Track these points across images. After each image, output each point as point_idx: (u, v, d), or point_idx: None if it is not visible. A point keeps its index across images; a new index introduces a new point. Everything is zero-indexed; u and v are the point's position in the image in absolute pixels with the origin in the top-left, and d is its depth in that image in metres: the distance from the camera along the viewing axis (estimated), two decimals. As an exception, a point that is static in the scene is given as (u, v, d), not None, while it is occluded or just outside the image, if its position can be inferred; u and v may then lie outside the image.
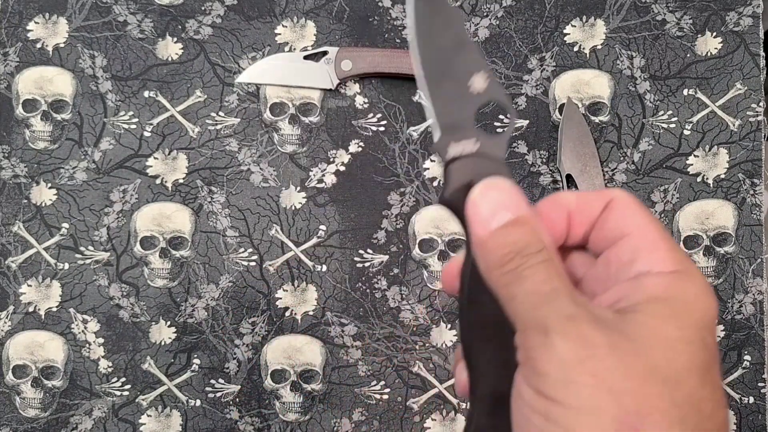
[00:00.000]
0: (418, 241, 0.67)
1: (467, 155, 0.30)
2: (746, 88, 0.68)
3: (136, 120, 0.68)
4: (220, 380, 0.66)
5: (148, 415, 0.66)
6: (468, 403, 0.61)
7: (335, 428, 0.66)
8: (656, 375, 0.26)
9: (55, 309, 0.67)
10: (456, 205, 0.30)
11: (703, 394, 0.27)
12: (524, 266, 0.28)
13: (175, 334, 0.67)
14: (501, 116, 0.68)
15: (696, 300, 0.28)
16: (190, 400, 0.66)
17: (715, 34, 0.69)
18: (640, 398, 0.25)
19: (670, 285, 0.28)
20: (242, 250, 0.67)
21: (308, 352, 0.66)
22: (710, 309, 0.28)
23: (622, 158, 0.68)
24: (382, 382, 0.66)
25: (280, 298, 0.67)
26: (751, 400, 0.66)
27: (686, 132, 0.68)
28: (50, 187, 0.68)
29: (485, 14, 0.69)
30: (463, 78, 0.31)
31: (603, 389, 0.25)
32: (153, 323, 0.67)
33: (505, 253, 0.29)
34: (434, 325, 0.67)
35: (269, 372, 0.66)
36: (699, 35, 0.69)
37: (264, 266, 0.67)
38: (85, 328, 0.67)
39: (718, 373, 0.28)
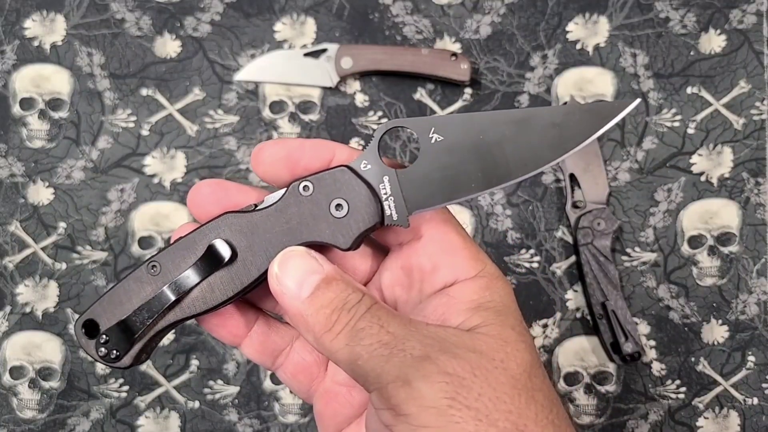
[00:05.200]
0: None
1: None
2: (750, 86, 0.68)
3: (134, 118, 0.68)
4: (219, 381, 0.66)
5: (146, 417, 0.66)
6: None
7: (335, 430, 0.65)
8: (517, 384, 0.26)
9: (52, 309, 0.66)
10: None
11: (545, 382, 0.27)
12: (354, 320, 0.27)
13: (174, 335, 0.66)
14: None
15: (507, 296, 0.29)
16: (188, 402, 0.66)
17: (718, 31, 0.68)
18: (514, 417, 0.26)
19: (484, 290, 0.29)
20: (241, 249, 0.67)
21: (308, 352, 0.66)
22: (515, 300, 0.29)
23: (625, 157, 0.67)
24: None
25: (280, 299, 0.66)
26: (755, 401, 0.65)
27: (690, 130, 0.67)
28: (47, 186, 0.67)
29: (487, 11, 0.69)
30: None
31: (483, 421, 0.25)
32: (151, 324, 0.66)
33: (327, 314, 0.27)
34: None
35: (269, 373, 0.66)
36: (702, 33, 0.68)
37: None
38: (83, 328, 0.66)
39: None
